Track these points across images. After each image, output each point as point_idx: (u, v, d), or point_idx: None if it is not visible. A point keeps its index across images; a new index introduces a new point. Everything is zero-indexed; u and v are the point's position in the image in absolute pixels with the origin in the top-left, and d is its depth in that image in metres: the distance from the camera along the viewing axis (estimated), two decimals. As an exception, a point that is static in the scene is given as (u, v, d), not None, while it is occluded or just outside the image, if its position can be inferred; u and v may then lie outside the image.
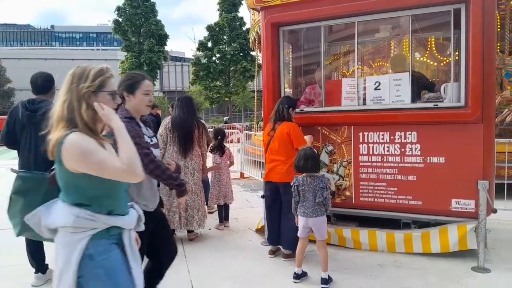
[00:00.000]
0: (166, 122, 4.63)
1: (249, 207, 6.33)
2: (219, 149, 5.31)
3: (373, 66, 8.21)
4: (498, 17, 9.52)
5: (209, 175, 5.74)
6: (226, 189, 5.26)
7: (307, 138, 4.11)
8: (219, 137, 5.37)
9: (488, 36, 3.62)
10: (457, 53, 4.13)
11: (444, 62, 7.10)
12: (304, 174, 3.48)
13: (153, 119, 6.85)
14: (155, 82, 30.83)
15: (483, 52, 3.60)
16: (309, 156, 3.47)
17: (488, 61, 3.63)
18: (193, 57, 31.05)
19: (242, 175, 9.31)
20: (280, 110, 4.02)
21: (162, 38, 29.56)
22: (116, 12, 28.56)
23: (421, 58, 8.53)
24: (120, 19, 28.61)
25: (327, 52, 5.82)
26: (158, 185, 4.85)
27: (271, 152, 4.05)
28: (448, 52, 6.43)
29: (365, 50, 6.93)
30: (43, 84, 3.49)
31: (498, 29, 9.49)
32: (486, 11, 3.59)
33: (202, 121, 5.08)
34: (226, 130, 12.52)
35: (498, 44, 9.31)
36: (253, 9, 5.28)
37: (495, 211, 3.68)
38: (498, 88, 7.83)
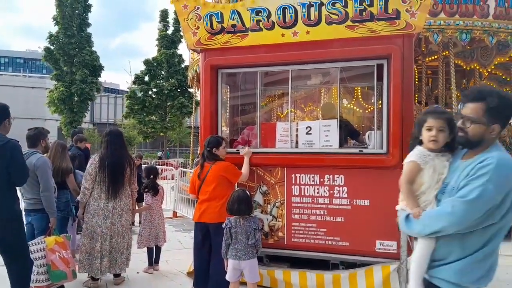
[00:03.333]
0: (94, 160, 4.39)
1: (181, 249, 6.14)
2: (153, 189, 5.11)
3: (305, 110, 8.64)
4: (416, 70, 10.61)
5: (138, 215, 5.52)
6: (157, 230, 5.04)
7: (245, 151, 4.22)
8: (152, 176, 5.19)
9: (407, 89, 4.01)
10: (380, 102, 4.50)
11: (369, 110, 7.68)
12: (236, 216, 3.49)
13: (80, 154, 6.50)
14: (85, 113, 29.52)
15: (402, 103, 3.96)
16: (242, 198, 3.51)
17: (406, 111, 4.00)
18: (128, 90, 30.35)
19: (174, 214, 9.05)
20: (204, 154, 4.14)
21: (97, 69, 28.63)
22: (48, 39, 27.36)
23: (349, 105, 9.15)
24: (52, 47, 27.39)
25: (263, 94, 6.04)
26: (80, 228, 4.62)
27: (203, 193, 4.03)
28: (372, 101, 6.98)
29: (298, 94, 7.29)
30: None
31: (416, 82, 10.54)
32: (405, 66, 3.99)
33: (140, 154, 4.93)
34: (159, 167, 12.23)
35: (416, 96, 10.33)
36: (193, 50, 5.38)
37: (413, 251, 3.92)
38: (416, 135, 8.56)
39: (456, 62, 9.50)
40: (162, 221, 5.15)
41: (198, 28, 4.46)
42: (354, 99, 9.15)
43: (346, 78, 4.82)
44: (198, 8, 4.39)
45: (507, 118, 2.02)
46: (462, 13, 7.79)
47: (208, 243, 4.00)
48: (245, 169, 4.19)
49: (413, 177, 2.10)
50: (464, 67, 10.78)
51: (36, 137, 4.18)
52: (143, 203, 5.26)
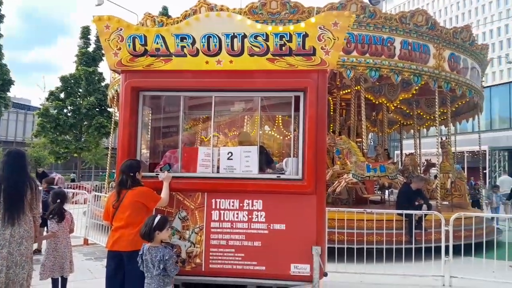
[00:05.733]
0: None
1: (91, 278, 5.75)
2: (58, 215, 4.74)
3: (229, 134, 8.78)
4: (331, 102, 11.38)
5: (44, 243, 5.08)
6: (63, 259, 4.62)
7: (164, 175, 4.13)
8: (59, 201, 4.81)
9: (321, 120, 4.28)
10: (296, 131, 4.75)
11: (289, 137, 8.03)
12: (150, 243, 3.41)
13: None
14: (-11, 130, 26.76)
15: (317, 133, 4.23)
16: (146, 223, 3.47)
17: (320, 141, 4.27)
18: (40, 107, 28.21)
19: (86, 241, 8.47)
20: (124, 180, 3.95)
21: (6, 83, 26.23)
22: (-51, 52, 24.64)
23: (270, 132, 9.47)
24: (-46, 58, 24.69)
25: (187, 117, 6.04)
26: None
27: (118, 220, 3.86)
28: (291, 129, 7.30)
29: (222, 119, 7.40)
30: None
31: (331, 112, 11.29)
32: (319, 99, 4.27)
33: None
34: (71, 190, 11.44)
35: (331, 125, 11.04)
36: (113, 70, 5.23)
37: (326, 274, 4.12)
38: (330, 162, 9.12)
39: (366, 96, 10.39)
40: (68, 249, 4.77)
41: (120, 49, 4.36)
42: (275, 126, 9.49)
43: (267, 107, 5.03)
44: (121, 29, 4.32)
45: None
46: (372, 52, 8.61)
47: (122, 273, 3.80)
48: (164, 194, 4.11)
49: None
50: (374, 101, 11.84)
51: None
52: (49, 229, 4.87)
